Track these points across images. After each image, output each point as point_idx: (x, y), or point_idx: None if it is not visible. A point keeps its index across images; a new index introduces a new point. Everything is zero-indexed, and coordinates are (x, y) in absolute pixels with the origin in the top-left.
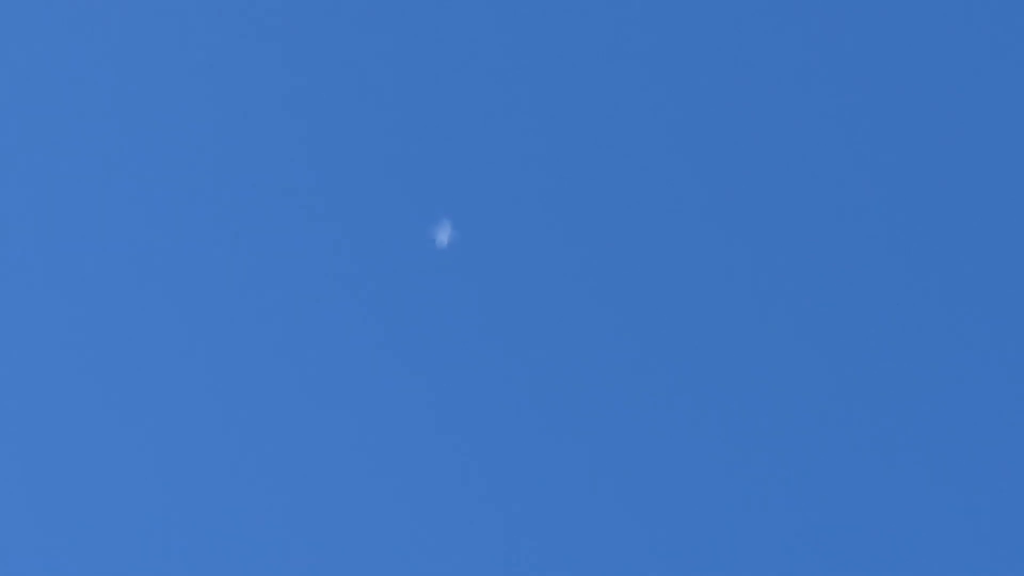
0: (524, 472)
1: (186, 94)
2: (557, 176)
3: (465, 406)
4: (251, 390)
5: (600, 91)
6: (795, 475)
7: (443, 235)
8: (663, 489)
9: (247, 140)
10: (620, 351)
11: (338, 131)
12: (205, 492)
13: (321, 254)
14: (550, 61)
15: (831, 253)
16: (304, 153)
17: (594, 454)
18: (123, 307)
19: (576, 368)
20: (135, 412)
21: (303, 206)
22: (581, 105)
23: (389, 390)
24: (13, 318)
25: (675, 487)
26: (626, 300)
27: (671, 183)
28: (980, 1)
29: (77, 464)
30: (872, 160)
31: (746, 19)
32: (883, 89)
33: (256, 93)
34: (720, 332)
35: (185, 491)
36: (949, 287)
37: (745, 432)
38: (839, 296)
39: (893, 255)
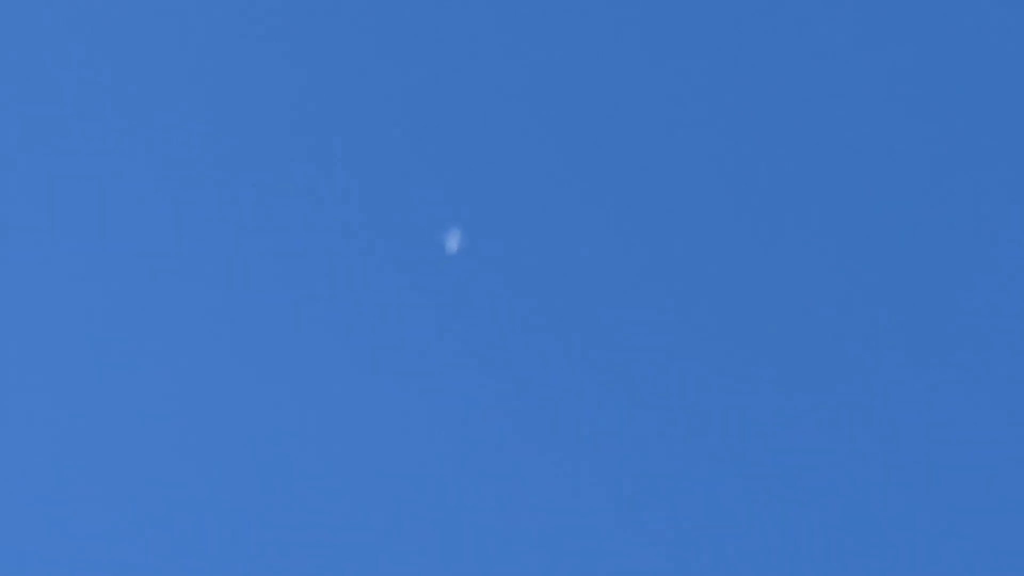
0: (534, 477)
1: (196, 99)
2: (567, 183)
3: (474, 412)
4: (259, 395)
5: (610, 99)
6: (796, 476)
7: (453, 242)
8: (668, 492)
9: (258, 145)
10: (630, 356)
11: (348, 137)
12: (221, 498)
13: (332, 260)
14: (560, 69)
15: (832, 253)
16: (314, 159)
17: (604, 459)
18: (139, 321)
19: (586, 374)
20: (154, 419)
21: (313, 212)
22: (591, 112)
23: (398, 396)
24: (13, 318)
25: (680, 490)
26: (636, 306)
27: (682, 190)
28: (980, 1)
29: (78, 463)
30: (872, 160)
31: (761, 21)
32: (884, 89)
33: (267, 98)
34: (731, 336)
35: (200, 496)
36: (949, 287)
37: (752, 439)
38: (840, 296)
39: (893, 255)
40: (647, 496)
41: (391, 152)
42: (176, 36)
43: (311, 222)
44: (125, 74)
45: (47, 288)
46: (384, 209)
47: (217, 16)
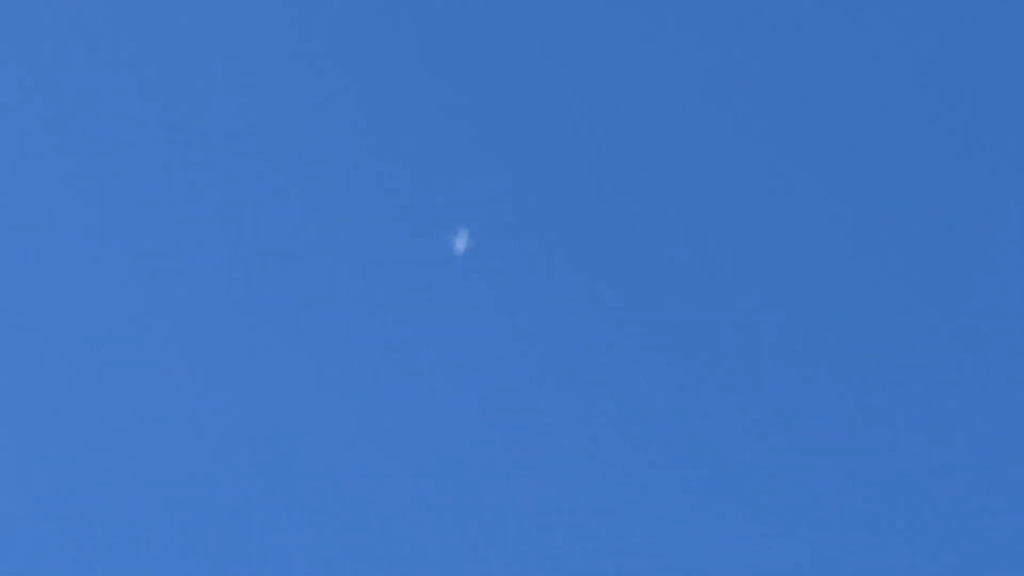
0: (542, 476)
1: (202, 98)
2: (576, 183)
3: (481, 413)
4: (265, 397)
5: (618, 103)
6: (796, 477)
7: (460, 243)
8: (671, 494)
9: (263, 143)
10: (637, 358)
11: (355, 137)
12: (228, 503)
13: (338, 260)
14: (568, 71)
15: (832, 253)
16: (320, 161)
17: (611, 458)
18: (147, 328)
19: (595, 375)
20: (164, 426)
21: (319, 212)
22: (600, 115)
23: (405, 397)
24: (12, 318)
25: (684, 495)
26: (645, 309)
27: (689, 193)
28: (980, 1)
29: (78, 461)
30: (873, 160)
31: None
32: (883, 89)
33: (273, 99)
34: (739, 339)
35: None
36: (949, 287)
37: (759, 446)
38: (840, 296)
39: (893, 255)
40: (650, 498)
41: (399, 152)
42: (179, 35)
43: (317, 222)
44: (131, 75)
45: (47, 288)
46: (391, 209)
47: (223, 16)
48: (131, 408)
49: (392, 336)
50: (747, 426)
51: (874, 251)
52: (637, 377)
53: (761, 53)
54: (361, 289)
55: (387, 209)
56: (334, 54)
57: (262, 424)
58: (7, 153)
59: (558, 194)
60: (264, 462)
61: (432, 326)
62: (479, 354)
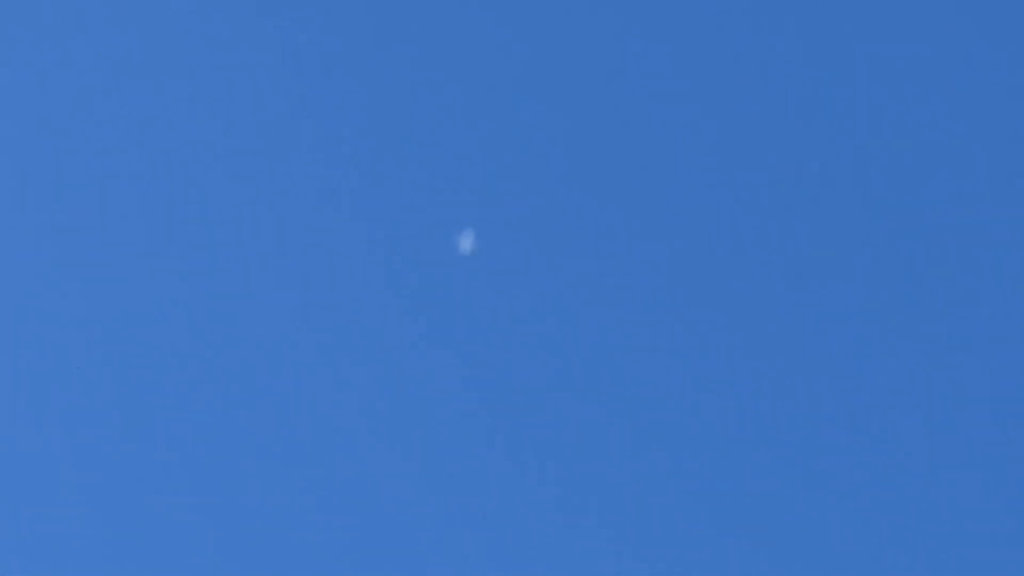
0: (549, 476)
1: (209, 102)
2: (581, 184)
3: (488, 412)
4: (273, 395)
5: (625, 104)
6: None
7: (466, 243)
8: (678, 505)
9: (270, 146)
10: (643, 359)
11: (362, 139)
12: (234, 505)
13: (345, 261)
14: (575, 73)
15: (832, 253)
16: (328, 161)
17: (618, 458)
18: (157, 333)
19: (600, 375)
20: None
21: (327, 214)
22: (607, 117)
23: (411, 397)
24: (12, 317)
25: (688, 503)
26: (651, 309)
27: (696, 194)
28: (980, 1)
29: (79, 460)
30: (872, 160)
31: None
32: (883, 89)
33: (282, 100)
34: (744, 341)
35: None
36: (948, 287)
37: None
38: (840, 296)
39: (892, 255)
40: (651, 500)
41: (405, 153)
42: (185, 39)
43: (324, 223)
44: (134, 81)
45: (46, 288)
46: (397, 210)
47: (227, 19)
48: (144, 407)
49: (398, 335)
50: (749, 432)
51: (872, 252)
52: (644, 377)
53: (763, 64)
54: (368, 289)
55: (394, 210)
56: (341, 55)
57: (270, 423)
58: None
59: (564, 195)
60: (271, 462)
61: (438, 326)
62: (485, 354)
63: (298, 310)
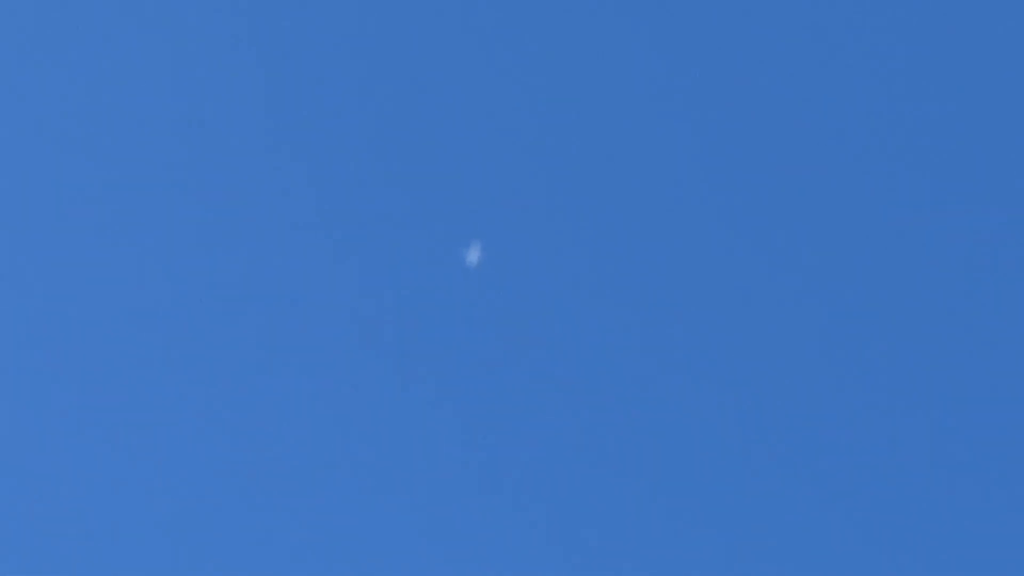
0: (549, 490)
1: (210, 121)
2: (588, 196)
3: (493, 422)
4: (275, 410)
5: (630, 118)
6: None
7: (473, 255)
8: (683, 524)
9: (277, 157)
10: (648, 372)
11: (368, 151)
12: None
13: (352, 272)
14: (581, 87)
15: (833, 253)
16: (334, 175)
17: (619, 473)
18: (158, 344)
19: (605, 388)
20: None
21: (333, 228)
22: (613, 131)
23: (418, 408)
24: (11, 317)
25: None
26: (659, 322)
27: (701, 207)
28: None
29: (76, 459)
30: (873, 160)
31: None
32: (883, 89)
33: (287, 111)
34: (748, 354)
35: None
36: (949, 287)
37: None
38: (843, 296)
39: (893, 255)
40: (651, 509)
41: (412, 165)
42: (193, 42)
43: (331, 239)
44: (145, 78)
45: (47, 289)
46: (404, 222)
47: (231, 35)
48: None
49: (404, 346)
50: (752, 444)
51: (872, 252)
52: (649, 387)
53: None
54: (374, 300)
55: (400, 221)
56: (348, 67)
57: (272, 434)
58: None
59: (570, 207)
60: (273, 473)
61: (445, 336)
62: (491, 364)
63: (303, 321)
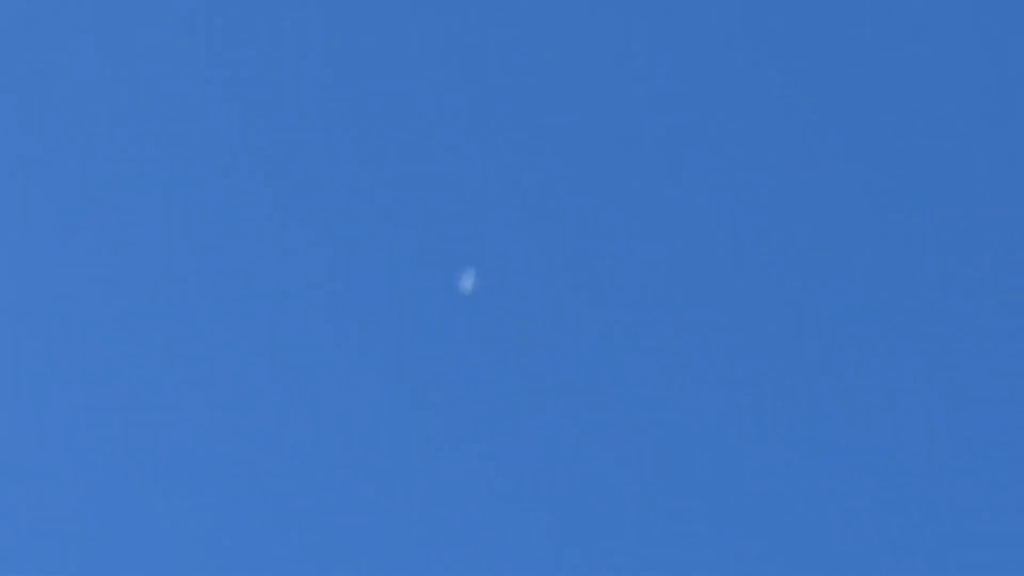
0: (546, 518)
1: (212, 148)
2: (581, 226)
3: (488, 450)
4: (270, 436)
5: (626, 146)
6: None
7: (467, 283)
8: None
9: (270, 185)
10: (644, 400)
11: (364, 177)
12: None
13: (347, 300)
14: (575, 116)
15: (831, 253)
16: (329, 201)
17: (615, 502)
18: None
19: (600, 416)
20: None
21: (327, 255)
22: (606, 159)
23: (412, 437)
24: (11, 317)
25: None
26: (654, 347)
27: (696, 237)
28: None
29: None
30: (872, 160)
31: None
32: (882, 89)
33: (282, 139)
34: (747, 380)
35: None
36: (948, 287)
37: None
38: (841, 296)
39: (892, 255)
40: (651, 541)
41: (407, 193)
42: (192, 77)
43: (325, 262)
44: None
45: (47, 289)
46: (399, 249)
47: (233, 70)
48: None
49: (399, 374)
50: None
51: (871, 252)
52: (646, 415)
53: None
54: (368, 326)
55: (395, 249)
56: (343, 96)
57: (264, 466)
58: None
59: (565, 235)
60: (264, 504)
61: (439, 364)
62: (486, 393)
63: (297, 348)
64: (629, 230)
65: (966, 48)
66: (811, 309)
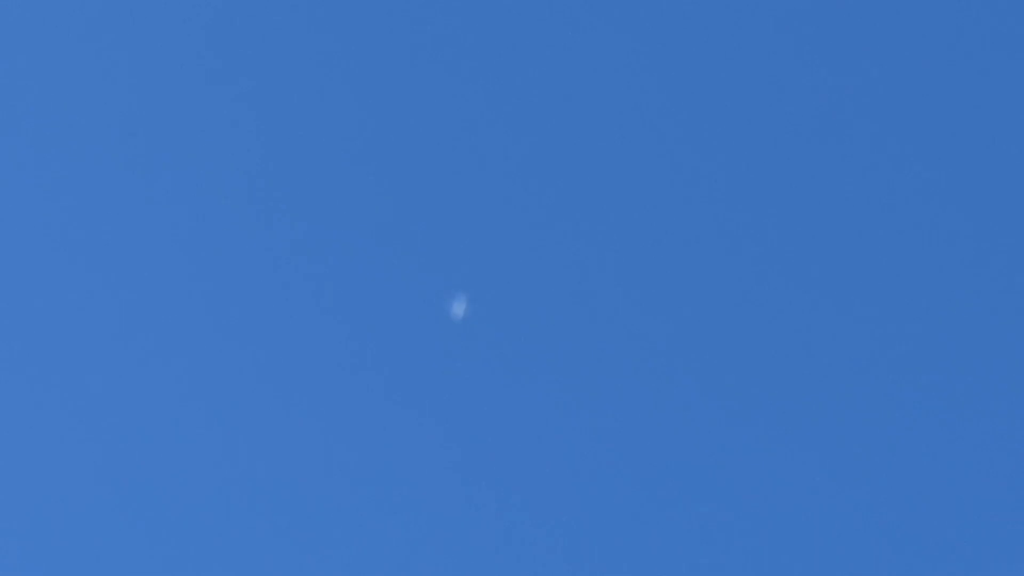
0: (539, 540)
1: (205, 171)
2: (573, 251)
3: (481, 475)
4: (265, 464)
5: (620, 166)
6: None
7: (459, 309)
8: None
9: (262, 209)
10: (637, 425)
11: (354, 204)
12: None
13: (336, 326)
14: (568, 136)
15: (832, 252)
16: (320, 227)
17: (608, 530)
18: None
19: (592, 439)
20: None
21: (318, 281)
22: (599, 179)
23: (405, 464)
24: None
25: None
26: (643, 376)
27: (690, 257)
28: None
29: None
30: (872, 160)
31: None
32: (882, 89)
33: (271, 162)
34: (742, 401)
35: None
36: (950, 287)
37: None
38: (843, 296)
39: (893, 255)
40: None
41: (397, 218)
42: (185, 103)
43: (316, 292)
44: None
45: (47, 290)
46: (390, 276)
47: (228, 87)
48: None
49: (390, 401)
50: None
51: (871, 252)
52: (639, 440)
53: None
54: (357, 353)
55: (386, 275)
56: (336, 116)
57: (259, 492)
58: None
59: (556, 261)
60: (259, 532)
61: (431, 391)
62: (478, 419)
63: (288, 378)
64: (622, 256)
65: (966, 48)
66: (811, 309)
